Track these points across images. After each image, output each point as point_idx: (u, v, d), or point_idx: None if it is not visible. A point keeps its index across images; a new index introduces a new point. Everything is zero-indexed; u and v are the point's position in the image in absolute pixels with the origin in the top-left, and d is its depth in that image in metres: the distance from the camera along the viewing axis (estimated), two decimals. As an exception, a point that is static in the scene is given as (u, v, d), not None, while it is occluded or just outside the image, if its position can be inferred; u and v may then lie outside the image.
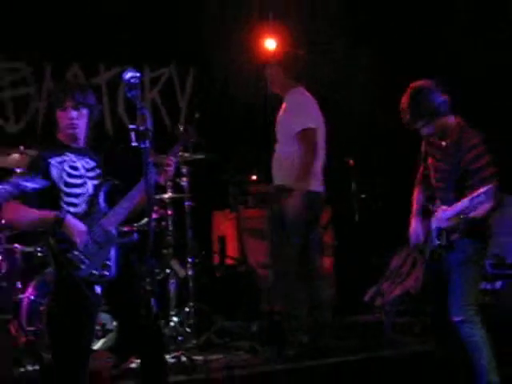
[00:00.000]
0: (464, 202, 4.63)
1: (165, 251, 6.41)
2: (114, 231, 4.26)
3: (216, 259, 7.64)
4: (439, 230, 4.90)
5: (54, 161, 4.26)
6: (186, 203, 6.47)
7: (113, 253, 4.24)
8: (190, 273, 6.46)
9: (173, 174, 4.45)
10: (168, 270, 6.41)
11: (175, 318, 6.29)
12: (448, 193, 4.91)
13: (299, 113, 5.90)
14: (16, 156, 5.23)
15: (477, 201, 4.57)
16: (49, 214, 4.12)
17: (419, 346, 5.85)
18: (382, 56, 8.32)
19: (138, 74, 3.89)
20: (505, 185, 4.95)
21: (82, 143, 4.40)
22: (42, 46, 7.33)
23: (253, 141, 7.90)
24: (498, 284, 6.17)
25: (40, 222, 4.21)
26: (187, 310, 6.38)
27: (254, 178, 7.84)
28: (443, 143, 5.02)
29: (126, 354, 5.23)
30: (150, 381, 4.38)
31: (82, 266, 4.08)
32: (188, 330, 6.29)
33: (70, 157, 4.30)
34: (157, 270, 6.28)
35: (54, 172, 4.23)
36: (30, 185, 3.79)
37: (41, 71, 7.61)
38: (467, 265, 4.93)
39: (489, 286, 6.15)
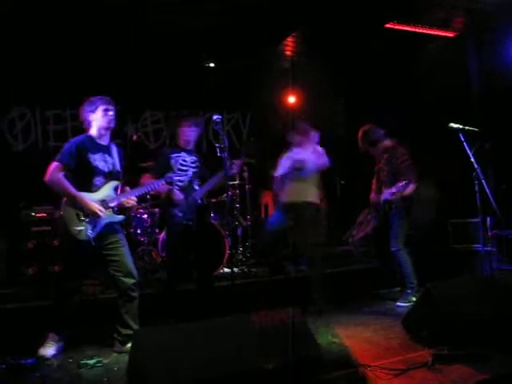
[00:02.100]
0: (398, 185, 4.59)
1: (235, 212, 6.40)
2: (199, 200, 4.27)
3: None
4: (385, 200, 4.84)
5: (173, 155, 4.29)
6: (247, 186, 6.45)
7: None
8: (248, 224, 6.46)
9: (239, 168, 4.41)
10: (236, 222, 6.40)
11: (241, 248, 6.29)
12: (388, 182, 4.87)
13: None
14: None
15: (404, 185, 4.54)
16: (166, 187, 4.16)
17: (373, 263, 5.73)
18: (350, 105, 8.18)
19: (220, 116, 3.96)
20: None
21: (191, 147, 4.41)
22: (173, 104, 7.38)
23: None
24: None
25: (161, 190, 4.21)
26: (247, 244, 6.41)
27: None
28: (385, 155, 4.95)
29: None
30: (202, 280, 4.33)
31: (178, 217, 4.14)
32: (248, 254, 6.29)
33: (183, 154, 4.33)
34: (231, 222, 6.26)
35: (173, 161, 4.25)
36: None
37: (168, 115, 7.68)
38: (400, 221, 4.92)
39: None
